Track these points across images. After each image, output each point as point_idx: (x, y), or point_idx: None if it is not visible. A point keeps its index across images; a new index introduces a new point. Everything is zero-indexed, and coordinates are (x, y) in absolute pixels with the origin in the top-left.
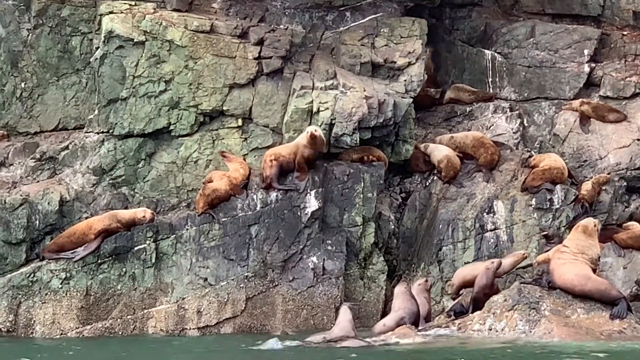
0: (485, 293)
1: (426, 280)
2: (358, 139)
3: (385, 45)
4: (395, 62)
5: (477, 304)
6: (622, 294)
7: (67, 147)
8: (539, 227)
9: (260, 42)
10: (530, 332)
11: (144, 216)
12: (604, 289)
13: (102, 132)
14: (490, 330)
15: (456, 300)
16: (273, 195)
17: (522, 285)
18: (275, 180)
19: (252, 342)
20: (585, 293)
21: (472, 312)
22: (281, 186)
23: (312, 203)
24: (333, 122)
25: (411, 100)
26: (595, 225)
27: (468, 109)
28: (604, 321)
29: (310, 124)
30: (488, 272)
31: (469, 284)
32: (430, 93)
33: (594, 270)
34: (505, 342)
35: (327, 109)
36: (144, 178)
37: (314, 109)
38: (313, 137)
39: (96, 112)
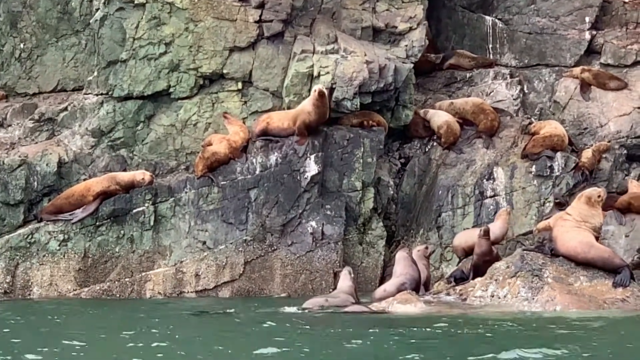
0: (485, 260)
1: (426, 247)
2: (358, 104)
3: (387, 9)
4: (396, 27)
5: (477, 270)
6: (625, 262)
7: (65, 109)
8: (553, 195)
9: (261, 5)
10: (533, 299)
11: (142, 179)
12: (607, 257)
13: (101, 94)
14: (493, 297)
15: (457, 267)
16: (273, 159)
17: (524, 252)
18: (257, 135)
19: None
20: (588, 261)
21: (473, 279)
22: (262, 137)
23: (311, 167)
24: (334, 86)
25: (412, 65)
26: (599, 196)
27: (468, 75)
28: (606, 289)
29: (310, 89)
30: (482, 240)
31: (470, 249)
32: (431, 58)
33: (597, 239)
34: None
35: (328, 73)
36: (143, 140)
37: (315, 73)
38: (322, 95)
39: (95, 73)
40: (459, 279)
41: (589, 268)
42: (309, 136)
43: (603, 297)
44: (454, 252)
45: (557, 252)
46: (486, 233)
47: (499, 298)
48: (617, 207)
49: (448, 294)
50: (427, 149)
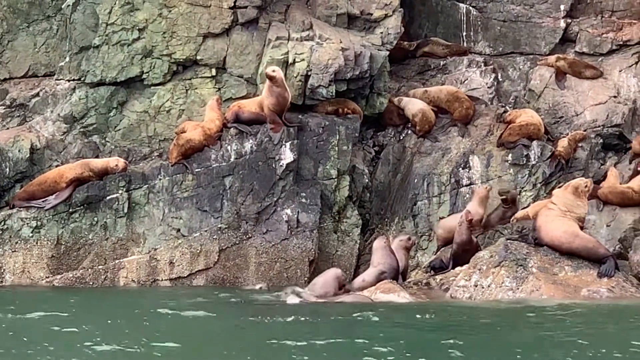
0: (464, 249)
1: (409, 238)
2: (334, 91)
3: None
4: (371, 14)
5: (457, 260)
6: (609, 252)
7: (37, 94)
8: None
9: None
10: (518, 289)
11: (116, 165)
12: (592, 247)
13: (73, 80)
14: (476, 286)
15: (435, 256)
16: (248, 146)
17: (508, 241)
18: (231, 122)
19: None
20: (573, 250)
21: (453, 268)
22: (235, 124)
23: (287, 155)
24: (309, 73)
25: (387, 53)
26: (586, 187)
27: (442, 63)
28: (591, 279)
29: (285, 75)
30: (462, 227)
31: (451, 238)
32: (404, 46)
33: (581, 229)
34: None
35: (303, 60)
36: (116, 127)
37: (290, 60)
38: (270, 78)
39: (67, 59)
40: (438, 268)
41: (574, 258)
42: (281, 123)
43: (588, 287)
44: (437, 240)
45: (541, 242)
46: (467, 217)
47: (483, 288)
48: (598, 197)
49: (428, 284)
50: (401, 137)
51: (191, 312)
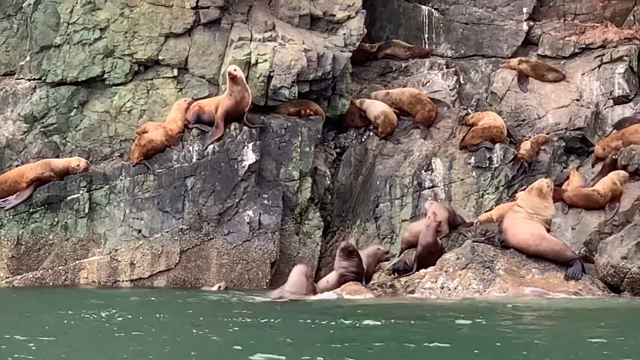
0: (429, 251)
1: (387, 252)
2: (297, 92)
3: None
4: (334, 15)
5: (422, 262)
6: (576, 255)
7: None
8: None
9: None
10: (485, 291)
11: (78, 165)
12: (559, 250)
13: (34, 79)
14: (443, 288)
15: (398, 258)
16: (210, 147)
17: (474, 243)
18: (192, 123)
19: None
20: (540, 253)
21: (417, 270)
22: (196, 125)
23: (249, 156)
24: (271, 74)
25: (350, 54)
26: (548, 186)
27: (403, 65)
28: (559, 282)
29: (248, 76)
30: (429, 229)
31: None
32: (366, 48)
33: (548, 231)
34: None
35: (266, 60)
36: (76, 127)
37: (252, 61)
38: (232, 78)
39: (28, 58)
40: (402, 270)
41: (541, 260)
42: (223, 130)
43: (556, 290)
44: (401, 243)
45: (507, 244)
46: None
47: (449, 290)
48: (563, 200)
49: (393, 286)
50: (363, 139)
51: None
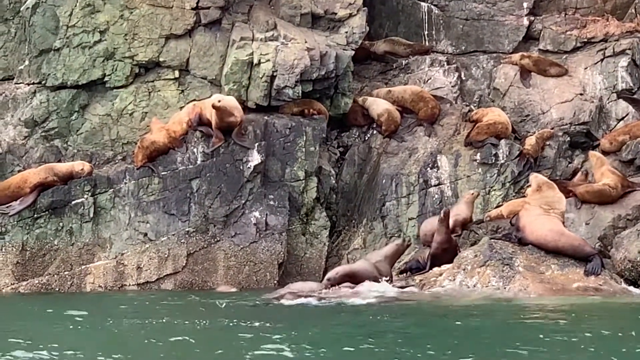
0: (443, 249)
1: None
2: (300, 92)
3: None
4: (335, 14)
5: (435, 260)
6: (595, 250)
7: None
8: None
9: None
10: (505, 288)
11: (82, 169)
12: (578, 245)
13: (33, 83)
14: (461, 286)
15: (410, 257)
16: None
17: (492, 240)
18: (194, 124)
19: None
20: (559, 249)
21: (431, 269)
22: (200, 128)
23: (254, 157)
24: (274, 74)
25: (353, 52)
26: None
27: (404, 62)
28: (578, 277)
29: (250, 76)
30: (441, 227)
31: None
32: (366, 45)
33: (563, 224)
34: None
35: (269, 60)
36: (78, 130)
37: (255, 61)
38: (217, 109)
39: (27, 62)
40: (415, 269)
41: (559, 256)
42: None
43: (576, 286)
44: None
45: (525, 241)
46: (446, 215)
47: (468, 287)
48: (575, 195)
49: (406, 285)
50: (366, 138)
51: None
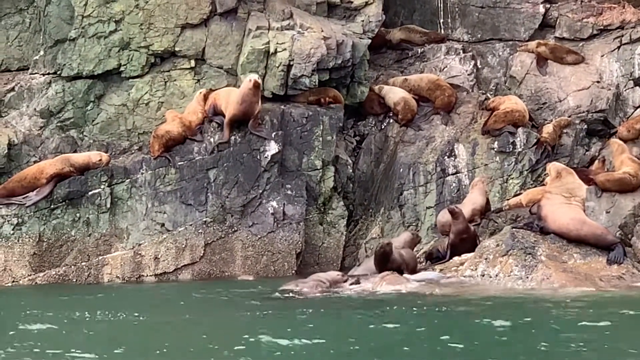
0: (462, 238)
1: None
2: (317, 81)
3: None
4: (352, 2)
5: (455, 249)
6: (617, 239)
7: (12, 89)
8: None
9: None
10: (527, 277)
11: (100, 160)
12: (600, 234)
13: (49, 74)
14: (483, 276)
15: (430, 245)
16: (232, 138)
17: (514, 229)
18: (209, 114)
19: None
20: (581, 238)
21: (450, 258)
22: (214, 117)
23: (271, 146)
24: (291, 63)
25: (369, 41)
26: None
27: (420, 51)
28: (601, 266)
29: (267, 66)
30: (459, 216)
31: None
32: (382, 33)
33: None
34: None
35: (285, 49)
36: (93, 121)
37: (271, 50)
38: (257, 86)
39: (42, 53)
40: (435, 258)
41: (581, 245)
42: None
43: (599, 275)
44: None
45: (547, 230)
46: (452, 212)
47: (490, 277)
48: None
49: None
50: (382, 126)
51: None
